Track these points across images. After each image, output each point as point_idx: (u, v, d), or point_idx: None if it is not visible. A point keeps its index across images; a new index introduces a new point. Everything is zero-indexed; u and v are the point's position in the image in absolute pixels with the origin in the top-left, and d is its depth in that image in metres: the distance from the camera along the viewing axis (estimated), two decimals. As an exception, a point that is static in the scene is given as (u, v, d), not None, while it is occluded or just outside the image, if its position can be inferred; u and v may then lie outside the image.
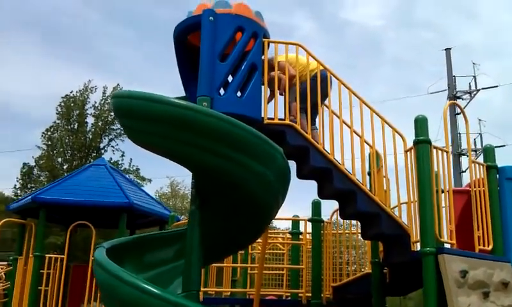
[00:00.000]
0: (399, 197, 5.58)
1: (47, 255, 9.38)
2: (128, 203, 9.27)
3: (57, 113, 35.92)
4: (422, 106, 44.39)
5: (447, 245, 5.03)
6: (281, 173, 4.35)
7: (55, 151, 36.63)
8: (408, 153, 5.35)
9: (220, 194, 4.56)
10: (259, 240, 6.70)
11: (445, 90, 24.99)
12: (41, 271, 9.26)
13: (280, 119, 5.30)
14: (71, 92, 36.02)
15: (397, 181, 5.57)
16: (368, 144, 5.77)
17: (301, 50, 5.57)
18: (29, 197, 9.69)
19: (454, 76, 24.94)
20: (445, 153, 5.28)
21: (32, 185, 32.41)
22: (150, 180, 39.44)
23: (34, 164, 36.71)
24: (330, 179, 5.34)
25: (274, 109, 5.42)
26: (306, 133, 5.31)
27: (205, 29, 5.11)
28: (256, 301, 6.49)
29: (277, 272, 9.37)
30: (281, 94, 5.51)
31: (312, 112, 5.51)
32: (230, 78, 5.33)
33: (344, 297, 7.24)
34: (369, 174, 6.03)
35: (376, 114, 5.55)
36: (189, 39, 5.61)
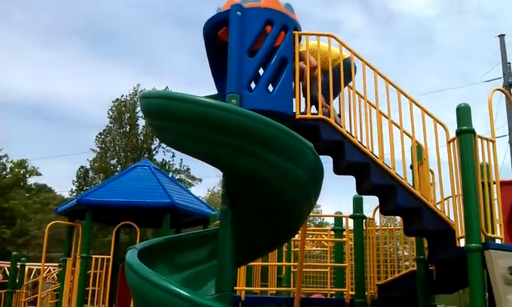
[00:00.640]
0: (442, 191, 5.30)
1: (94, 256, 9.56)
2: (171, 203, 9.36)
3: (109, 117, 37.08)
4: (477, 96, 42.77)
5: (497, 241, 4.74)
6: (312, 169, 4.17)
7: (108, 154, 37.81)
8: (451, 144, 5.07)
9: (250, 193, 4.43)
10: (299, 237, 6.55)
11: (501, 78, 23.93)
12: (91, 272, 9.48)
13: (312, 114, 5.13)
14: (122, 96, 36.99)
15: (440, 174, 5.29)
16: (408, 135, 5.51)
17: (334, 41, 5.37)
18: (75, 199, 9.94)
19: (509, 63, 23.82)
20: (490, 143, 4.96)
21: (88, 187, 33.49)
22: (200, 180, 39.99)
23: (89, 166, 38.06)
24: (368, 174, 5.13)
25: (306, 104, 5.25)
26: (341, 126, 5.11)
27: (233, 25, 5.01)
28: (297, 300, 6.34)
29: (320, 270, 9.17)
30: (304, 86, 5.32)
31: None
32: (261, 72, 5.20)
33: (389, 295, 6.98)
34: (411, 167, 5.77)
35: (415, 103, 5.28)
36: (219, 36, 5.52)
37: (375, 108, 5.41)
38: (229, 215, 4.45)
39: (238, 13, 5.01)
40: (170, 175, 37.76)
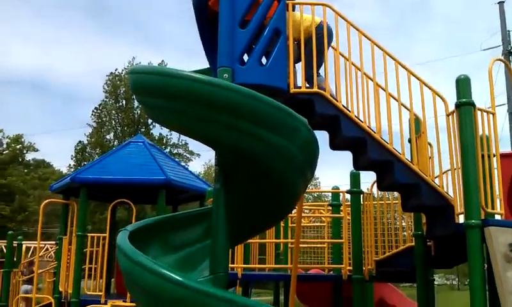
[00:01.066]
0: (440, 165, 5.17)
1: (90, 234, 9.47)
2: (165, 180, 9.23)
3: (104, 91, 36.83)
4: (476, 65, 42.38)
5: (497, 217, 4.62)
6: (306, 145, 4.02)
7: (104, 128, 37.66)
8: (450, 117, 4.92)
9: (242, 171, 4.30)
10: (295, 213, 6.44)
11: (499, 46, 23.65)
12: (87, 250, 9.41)
13: (307, 88, 4.95)
14: (116, 70, 36.62)
15: (439, 147, 5.16)
16: (406, 108, 5.35)
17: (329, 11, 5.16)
18: (69, 177, 9.81)
19: (509, 30, 23.50)
20: (491, 115, 4.80)
21: (86, 162, 33.42)
22: (198, 155, 39.94)
23: (86, 141, 37.97)
24: (364, 149, 4.98)
25: (301, 77, 5.07)
26: (336, 100, 4.95)
27: (223, -5, 4.80)
28: (294, 276, 6.25)
29: (318, 245, 9.10)
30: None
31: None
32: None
33: (387, 271, 6.90)
34: (409, 141, 5.63)
35: (413, 75, 5.11)
36: (209, 5, 5.31)
37: (372, 80, 5.23)
38: (222, 194, 4.32)
39: (228, -18, 4.80)
40: (168, 150, 37.77)
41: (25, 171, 43.38)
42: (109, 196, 10.43)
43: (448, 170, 5.14)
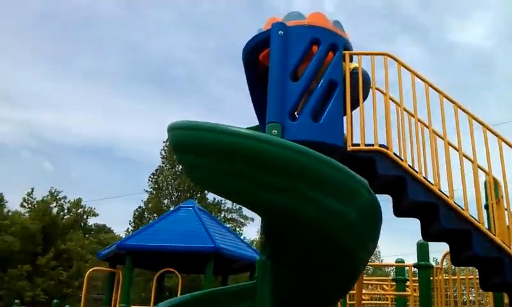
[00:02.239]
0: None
1: (133, 306, 8.99)
2: (214, 248, 8.74)
3: (161, 157, 37.44)
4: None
5: None
6: (367, 210, 3.42)
7: (161, 194, 38.04)
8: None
9: (293, 241, 3.71)
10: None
11: None
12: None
13: (367, 145, 4.36)
14: (174, 135, 37.30)
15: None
16: (483, 169, 4.64)
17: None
18: (115, 245, 9.47)
19: None
20: None
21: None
22: (252, 219, 39.36)
23: (143, 206, 38.44)
24: (436, 216, 4.28)
25: (360, 133, 4.49)
26: (401, 159, 4.32)
27: (274, 45, 4.43)
28: None
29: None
30: None
31: None
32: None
33: None
34: (486, 207, 4.88)
35: (491, 130, 4.44)
36: (260, 60, 4.92)
37: (442, 138, 4.58)
38: (268, 268, 3.74)
39: (280, 32, 4.46)
40: (222, 215, 37.46)
41: (86, 236, 44.18)
42: (156, 264, 10.00)
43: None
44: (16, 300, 14.90)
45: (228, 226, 35.36)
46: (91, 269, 9.48)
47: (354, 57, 4.68)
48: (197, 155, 3.66)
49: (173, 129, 4.08)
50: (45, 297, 29.88)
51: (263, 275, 3.76)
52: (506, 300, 5.00)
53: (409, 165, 4.42)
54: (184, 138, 3.80)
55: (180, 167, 37.00)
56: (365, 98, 4.59)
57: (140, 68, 64.16)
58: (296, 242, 3.67)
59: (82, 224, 44.46)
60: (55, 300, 13.04)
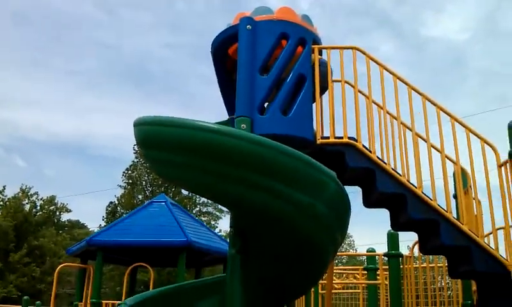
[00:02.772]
0: (493, 222, 4.45)
1: (104, 301, 8.91)
2: (186, 241, 8.69)
3: (134, 152, 37.07)
4: (516, 118, 41.02)
5: None
6: (336, 203, 3.43)
7: (135, 189, 37.68)
8: (503, 167, 4.28)
9: (263, 234, 3.72)
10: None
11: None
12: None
13: (336, 138, 4.38)
14: (146, 131, 36.98)
15: (491, 203, 4.46)
16: (451, 160, 4.70)
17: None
18: (85, 241, 9.34)
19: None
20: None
21: (117, 223, 33.24)
22: (228, 212, 39.36)
23: (117, 202, 38.06)
24: (404, 207, 4.33)
25: (329, 126, 4.51)
26: (370, 151, 4.36)
27: (242, 40, 4.41)
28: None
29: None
30: None
31: None
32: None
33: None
34: (455, 197, 4.96)
35: (458, 121, 4.50)
36: (229, 55, 4.89)
37: (410, 130, 4.63)
38: (237, 261, 3.73)
39: (248, 26, 4.44)
40: (197, 208, 37.34)
41: (60, 232, 43.57)
42: (129, 259, 9.91)
43: (501, 227, 4.43)
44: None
45: (203, 219, 35.31)
46: (61, 265, 9.33)
47: (323, 51, 4.69)
48: (162, 150, 3.62)
49: (139, 124, 4.02)
50: (18, 293, 29.40)
51: (232, 269, 3.75)
52: (474, 287, 5.10)
53: (378, 157, 4.46)
54: (149, 133, 3.76)
55: (143, 156, 36.74)
56: (324, 90, 4.61)
57: (115, 66, 63.46)
58: (264, 235, 3.68)
59: (56, 221, 43.83)
60: (25, 297, 12.80)
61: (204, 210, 38.01)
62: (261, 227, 3.62)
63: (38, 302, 13.54)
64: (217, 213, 38.95)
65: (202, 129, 3.29)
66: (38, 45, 61.86)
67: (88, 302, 8.73)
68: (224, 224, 38.77)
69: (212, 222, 37.84)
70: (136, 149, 37.20)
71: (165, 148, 3.51)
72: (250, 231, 3.74)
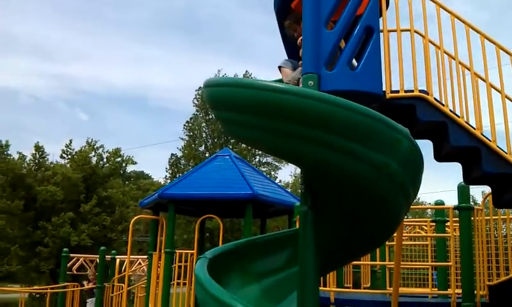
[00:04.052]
0: None
1: (178, 250, 9.34)
2: (252, 194, 8.88)
3: (194, 105, 37.65)
4: None
5: None
6: (409, 160, 3.38)
7: (196, 141, 38.48)
8: None
9: (334, 192, 3.74)
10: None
11: None
12: (179, 264, 9.33)
13: (406, 91, 4.28)
14: (204, 83, 37.34)
15: None
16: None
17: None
18: (157, 193, 9.74)
19: None
20: None
21: (180, 174, 34.22)
22: (287, 163, 39.52)
23: (180, 154, 39.07)
24: (478, 161, 4.22)
25: (399, 79, 4.40)
26: (442, 104, 4.24)
27: (307, -8, 4.29)
28: (395, 301, 5.56)
29: (421, 267, 8.22)
30: None
31: None
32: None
33: (503, 297, 5.99)
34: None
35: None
36: (293, 8, 4.82)
37: (484, 80, 4.46)
38: (310, 218, 3.78)
39: (312, -22, 4.28)
40: (257, 159, 37.72)
41: (127, 183, 45.27)
42: (197, 210, 10.30)
43: None
44: (64, 249, 15.58)
45: (263, 169, 35.68)
46: (135, 217, 9.82)
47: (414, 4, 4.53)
48: (235, 111, 3.67)
49: (210, 86, 4.08)
50: (91, 242, 31.10)
51: (305, 224, 3.81)
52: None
53: (451, 110, 4.33)
54: (221, 95, 3.81)
55: (214, 117, 37.12)
56: None
57: (165, 15, 63.69)
58: (337, 194, 3.70)
59: (122, 172, 45.50)
60: (102, 247, 13.57)
61: (264, 161, 38.37)
62: (335, 187, 3.64)
63: (113, 251, 14.32)
64: (277, 164, 39.22)
65: (272, 90, 3.30)
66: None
67: (162, 251, 9.20)
68: (283, 175, 39.12)
69: (272, 173, 38.19)
70: (196, 102, 37.74)
71: (238, 109, 3.56)
72: (322, 190, 3.77)
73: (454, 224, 6.74)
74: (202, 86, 4.17)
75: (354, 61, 4.20)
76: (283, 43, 5.04)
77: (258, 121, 3.47)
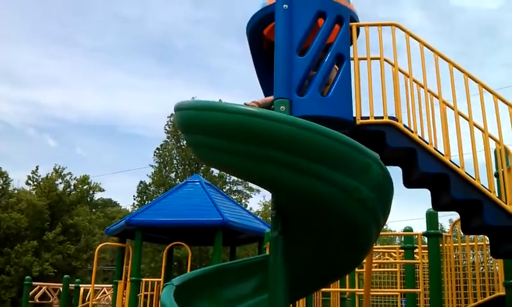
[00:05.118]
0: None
1: (144, 279, 9.12)
2: (222, 221, 8.79)
3: (166, 132, 37.37)
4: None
5: None
6: (380, 185, 3.40)
7: (167, 168, 38.08)
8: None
9: (305, 217, 3.72)
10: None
11: None
12: (145, 293, 9.09)
13: (376, 118, 4.33)
14: (176, 110, 37.09)
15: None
16: (493, 138, 4.60)
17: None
18: (124, 220, 9.54)
19: None
20: None
21: (149, 201, 33.71)
22: (258, 190, 39.46)
23: (149, 181, 38.53)
24: (447, 187, 4.26)
25: (369, 105, 4.44)
26: (411, 131, 4.29)
27: (279, 19, 4.35)
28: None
29: (390, 293, 8.24)
30: None
31: None
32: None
33: (473, 324, 6.03)
34: (496, 175, 4.87)
35: (500, 99, 4.40)
36: (265, 35, 4.85)
37: (452, 108, 4.54)
38: (280, 243, 3.75)
39: (284, 6, 4.36)
40: (228, 187, 37.55)
41: (93, 210, 44.43)
42: (166, 238, 10.12)
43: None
44: (27, 277, 15.08)
45: (234, 197, 35.50)
46: (101, 244, 9.59)
47: (361, 28, 4.61)
48: (206, 135, 3.63)
49: (181, 109, 4.02)
50: (54, 271, 30.25)
51: (275, 250, 3.77)
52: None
53: (419, 137, 4.39)
54: (192, 118, 3.77)
55: (185, 141, 36.90)
56: None
57: (140, 42, 63.81)
58: (308, 219, 3.68)
59: (89, 199, 44.67)
60: (66, 276, 13.17)
61: (234, 189, 38.19)
62: (305, 211, 3.61)
63: (77, 279, 13.91)
64: (247, 192, 39.08)
65: (245, 113, 3.29)
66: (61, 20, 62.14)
67: (128, 279, 8.96)
68: (254, 203, 39.03)
69: (243, 201, 38.02)
70: (167, 129, 37.48)
71: (209, 133, 3.52)
72: (293, 215, 3.74)
73: (423, 251, 6.77)
74: (173, 110, 4.11)
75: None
76: (257, 71, 5.05)
77: (229, 145, 3.44)
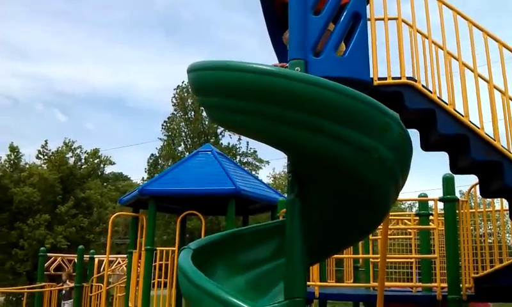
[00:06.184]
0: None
1: (159, 248, 9.18)
2: (235, 190, 8.75)
3: (173, 104, 37.36)
4: None
5: None
6: (399, 145, 3.31)
7: (175, 141, 38.17)
8: None
9: (322, 179, 3.63)
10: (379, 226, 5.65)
11: None
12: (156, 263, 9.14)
13: (394, 78, 4.22)
14: (182, 82, 37.00)
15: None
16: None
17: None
18: (137, 190, 9.55)
19: None
20: None
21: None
22: (268, 162, 39.50)
23: (158, 154, 38.68)
24: (466, 149, 4.18)
25: (387, 66, 4.34)
26: (430, 92, 4.19)
27: (293, -22, 4.20)
28: (380, 298, 5.49)
29: (406, 259, 8.18)
30: None
31: None
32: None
33: (488, 289, 5.98)
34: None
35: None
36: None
37: (472, 70, 4.42)
38: (297, 206, 3.68)
39: (298, -36, 4.19)
40: (237, 159, 37.62)
41: (104, 184, 44.70)
42: (179, 207, 10.12)
43: None
44: (41, 248, 15.27)
45: (243, 169, 35.54)
46: (115, 214, 9.62)
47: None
48: (221, 96, 3.54)
49: (194, 70, 3.93)
50: (67, 243, 30.58)
51: (292, 213, 3.71)
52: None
53: (439, 97, 4.28)
54: (206, 79, 3.67)
55: (193, 113, 36.86)
56: None
57: (147, 15, 63.33)
58: (325, 181, 3.60)
59: (100, 173, 44.92)
60: (80, 246, 13.29)
61: (244, 160, 38.28)
62: (322, 173, 3.54)
63: (92, 250, 14.04)
64: (257, 164, 39.17)
65: (261, 72, 3.19)
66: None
67: (143, 249, 9.01)
68: (264, 174, 39.03)
69: (253, 172, 38.14)
70: (174, 101, 37.42)
71: (225, 93, 3.43)
72: (311, 179, 3.67)
73: (439, 218, 6.71)
74: (188, 70, 4.01)
75: (343, 44, 4.13)
76: (270, 33, 4.95)
77: (245, 105, 3.35)
